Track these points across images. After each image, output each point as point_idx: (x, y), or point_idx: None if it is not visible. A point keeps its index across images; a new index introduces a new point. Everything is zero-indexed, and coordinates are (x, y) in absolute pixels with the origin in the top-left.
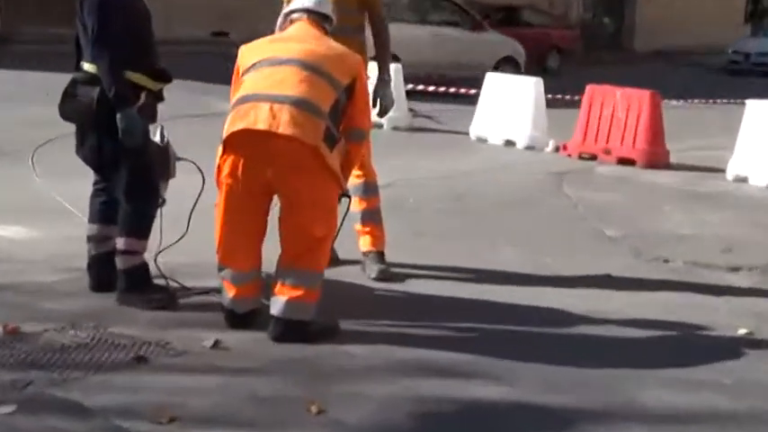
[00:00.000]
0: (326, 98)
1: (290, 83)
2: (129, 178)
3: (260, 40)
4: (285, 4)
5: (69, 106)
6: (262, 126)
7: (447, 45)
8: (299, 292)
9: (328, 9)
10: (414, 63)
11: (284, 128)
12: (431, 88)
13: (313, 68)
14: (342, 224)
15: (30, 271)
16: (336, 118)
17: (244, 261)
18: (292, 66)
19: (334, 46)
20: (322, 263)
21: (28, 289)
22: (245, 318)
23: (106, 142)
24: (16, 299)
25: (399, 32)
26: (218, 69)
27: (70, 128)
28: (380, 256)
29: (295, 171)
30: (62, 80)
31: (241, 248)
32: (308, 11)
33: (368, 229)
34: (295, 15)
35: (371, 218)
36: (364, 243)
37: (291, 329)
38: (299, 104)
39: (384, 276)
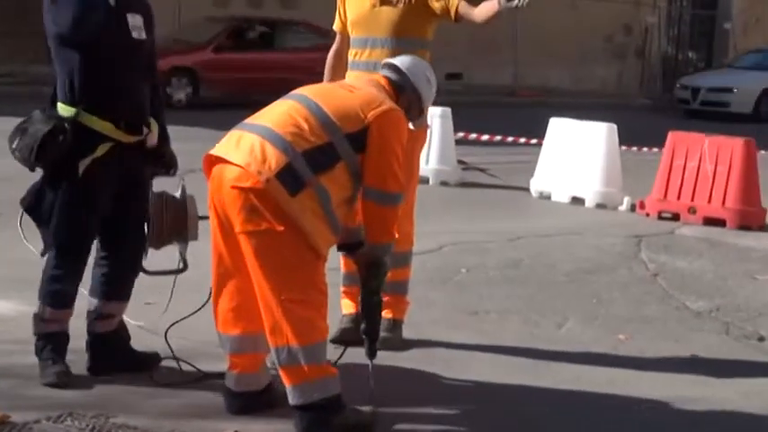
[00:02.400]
0: (308, 137)
1: (274, 114)
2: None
3: None
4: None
5: (18, 143)
6: (217, 151)
7: None
8: (288, 377)
9: (422, 87)
10: None
11: (233, 155)
12: (484, 137)
13: (309, 105)
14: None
15: (19, 352)
16: (318, 164)
17: (233, 322)
18: (292, 99)
19: (366, 91)
20: (297, 333)
21: (17, 372)
22: (244, 400)
23: (48, 190)
24: (4, 384)
25: None
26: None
27: None
28: (393, 324)
29: (242, 210)
30: None
31: (227, 305)
32: (390, 68)
33: (386, 298)
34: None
35: (395, 289)
36: None
37: (315, 421)
38: (264, 133)
39: (385, 346)
